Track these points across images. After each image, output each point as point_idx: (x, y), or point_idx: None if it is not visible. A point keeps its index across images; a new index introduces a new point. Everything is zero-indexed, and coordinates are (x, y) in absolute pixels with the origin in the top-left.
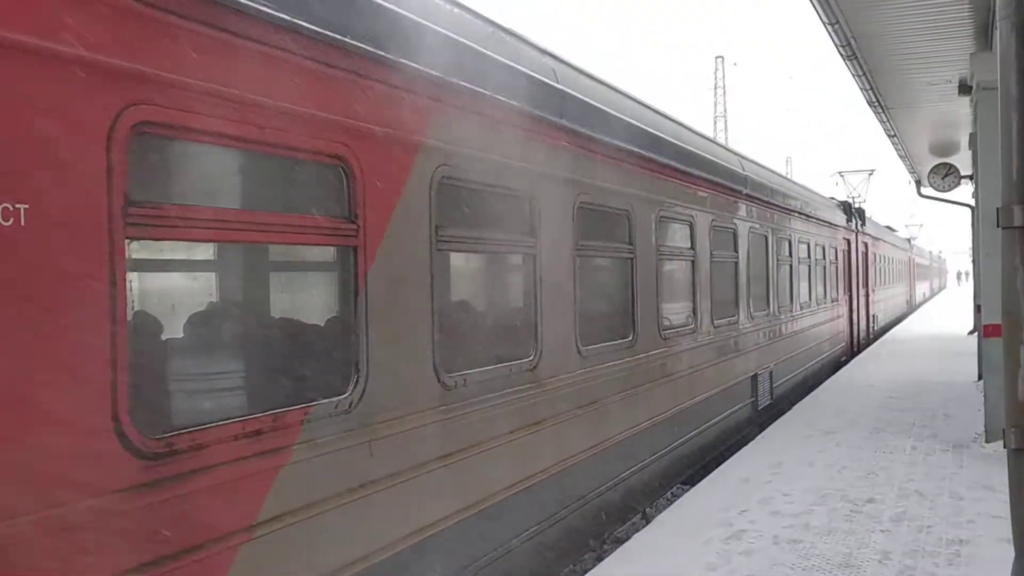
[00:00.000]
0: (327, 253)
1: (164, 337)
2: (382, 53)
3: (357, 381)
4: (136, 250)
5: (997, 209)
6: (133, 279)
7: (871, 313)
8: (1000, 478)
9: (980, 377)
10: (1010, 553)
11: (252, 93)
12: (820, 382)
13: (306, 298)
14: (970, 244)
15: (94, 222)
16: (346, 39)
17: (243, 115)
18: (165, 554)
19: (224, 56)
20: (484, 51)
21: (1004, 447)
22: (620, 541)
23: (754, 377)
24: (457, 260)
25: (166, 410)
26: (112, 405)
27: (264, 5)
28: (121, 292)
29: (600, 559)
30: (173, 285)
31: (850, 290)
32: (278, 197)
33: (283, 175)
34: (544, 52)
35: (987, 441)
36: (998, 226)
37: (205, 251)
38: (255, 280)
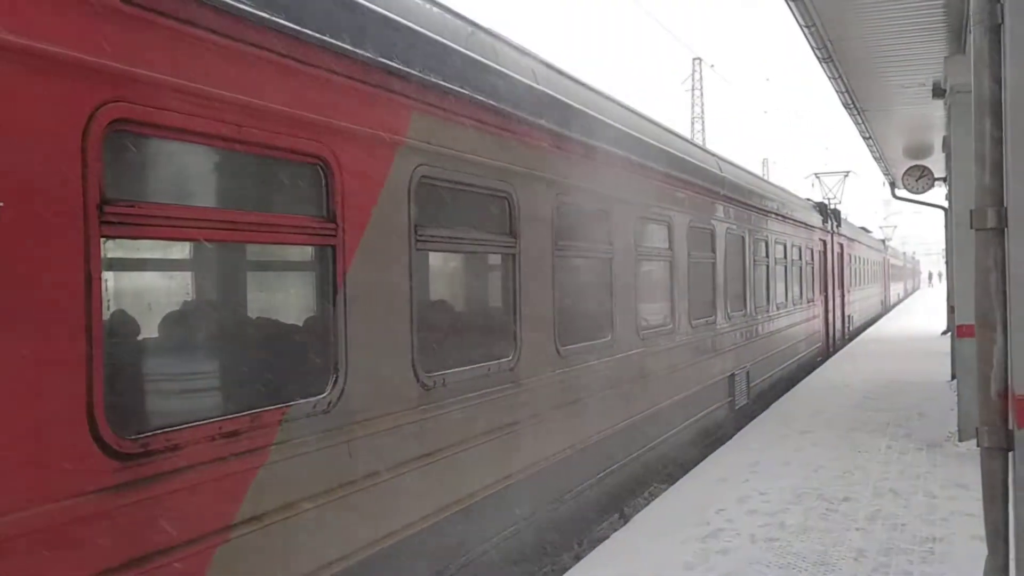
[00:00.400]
0: (305, 252)
1: (140, 337)
2: (361, 52)
3: (336, 381)
4: (112, 249)
5: (970, 211)
6: (109, 278)
7: (846, 313)
8: (973, 476)
9: (953, 377)
10: (982, 550)
11: (230, 91)
12: (797, 382)
13: (284, 298)
14: (943, 246)
15: (69, 220)
16: (325, 37)
17: (221, 113)
18: (141, 555)
19: (201, 54)
20: (464, 50)
21: (977, 446)
22: (598, 540)
23: (731, 377)
24: (436, 260)
25: (142, 410)
26: (87, 405)
27: (242, 2)
28: (96, 291)
29: (578, 558)
30: (150, 284)
31: (826, 291)
32: (256, 196)
33: (261, 174)
34: (524, 52)
35: (960, 440)
36: (971, 228)
37: (182, 250)
38: (233, 279)
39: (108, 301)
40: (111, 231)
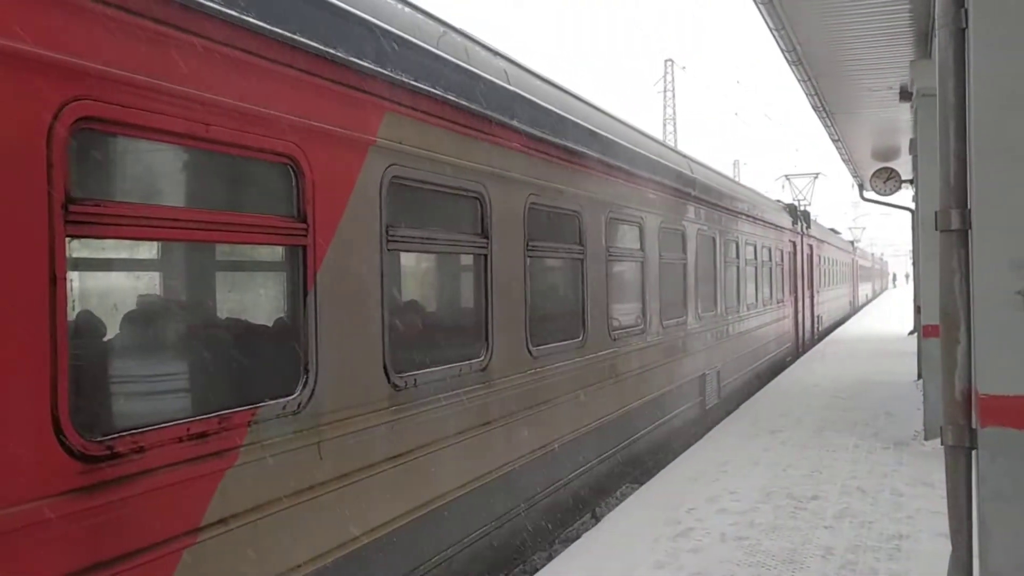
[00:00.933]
0: (275, 253)
1: (106, 337)
2: (333, 51)
3: (306, 382)
4: (77, 249)
5: (935, 213)
6: (74, 278)
7: (816, 314)
8: (939, 474)
9: (920, 376)
10: (947, 547)
11: (199, 90)
12: (767, 382)
13: (254, 298)
14: (911, 247)
15: (33, 219)
16: (296, 36)
17: (189, 112)
18: (105, 558)
19: (170, 52)
20: (436, 51)
21: (941, 444)
22: (570, 540)
23: (702, 377)
24: (408, 260)
25: (108, 412)
26: (51, 407)
27: (211, 1)
28: (61, 292)
29: (550, 558)
30: (116, 285)
31: (796, 291)
32: (225, 196)
33: (231, 173)
34: (496, 53)
35: (926, 439)
36: (936, 229)
37: (150, 250)
38: (202, 280)
39: (73, 302)
40: (76, 231)
